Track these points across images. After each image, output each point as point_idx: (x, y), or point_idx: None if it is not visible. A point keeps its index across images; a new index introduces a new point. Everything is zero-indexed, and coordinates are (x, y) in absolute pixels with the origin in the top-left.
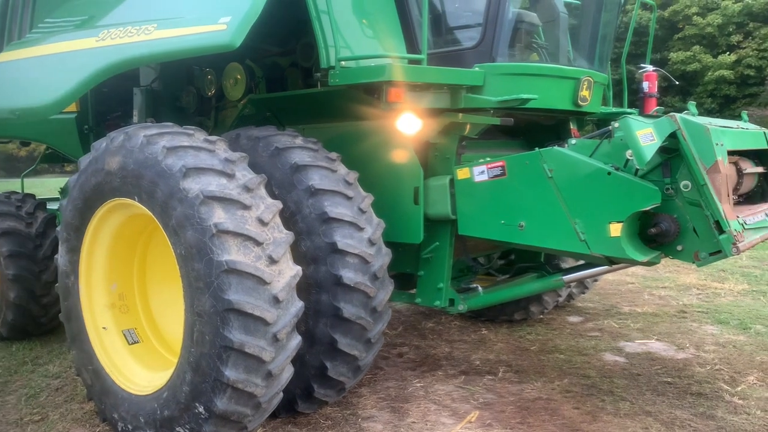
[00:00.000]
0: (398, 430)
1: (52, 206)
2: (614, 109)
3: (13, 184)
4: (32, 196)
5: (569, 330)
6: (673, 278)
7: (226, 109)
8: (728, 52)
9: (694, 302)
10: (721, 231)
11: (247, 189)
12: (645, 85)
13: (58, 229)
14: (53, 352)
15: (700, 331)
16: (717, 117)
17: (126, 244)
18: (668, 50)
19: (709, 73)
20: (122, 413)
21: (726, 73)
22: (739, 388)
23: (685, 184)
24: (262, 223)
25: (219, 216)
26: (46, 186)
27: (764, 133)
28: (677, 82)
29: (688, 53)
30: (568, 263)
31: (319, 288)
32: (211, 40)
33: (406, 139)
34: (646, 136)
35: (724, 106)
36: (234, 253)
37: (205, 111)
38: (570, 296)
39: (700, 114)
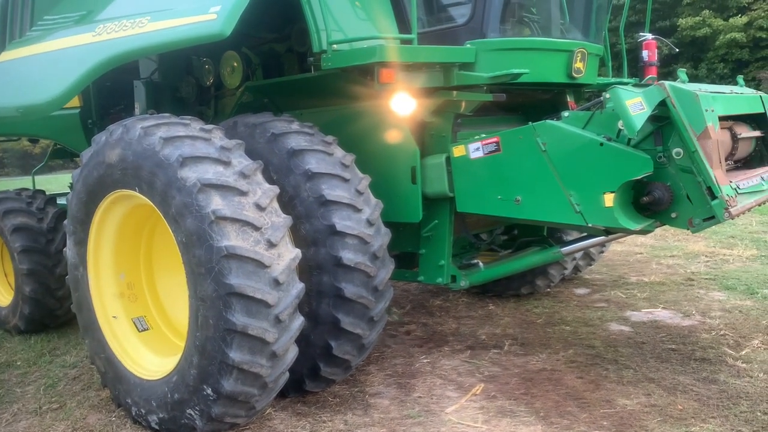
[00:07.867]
0: (404, 405)
1: (62, 201)
2: (612, 80)
3: (27, 182)
4: (42, 191)
5: (576, 302)
6: (681, 246)
7: (225, 97)
8: (739, 15)
9: (702, 269)
10: (714, 196)
11: (244, 175)
12: (645, 53)
13: (65, 222)
14: (70, 343)
15: (707, 297)
16: (729, 83)
17: (131, 234)
18: (677, 16)
19: (720, 37)
20: (135, 398)
21: (738, 35)
22: (743, 352)
23: (677, 151)
24: (259, 208)
25: (217, 203)
26: (60, 182)
27: (760, 97)
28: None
29: (698, 18)
30: (571, 236)
31: (321, 269)
32: (202, 30)
33: (402, 119)
34: (635, 105)
35: (737, 70)
36: (233, 239)
37: (205, 100)
38: (576, 268)
39: (712, 80)
